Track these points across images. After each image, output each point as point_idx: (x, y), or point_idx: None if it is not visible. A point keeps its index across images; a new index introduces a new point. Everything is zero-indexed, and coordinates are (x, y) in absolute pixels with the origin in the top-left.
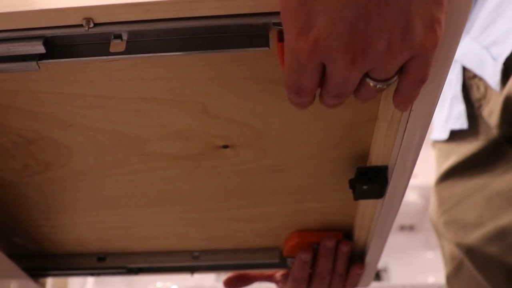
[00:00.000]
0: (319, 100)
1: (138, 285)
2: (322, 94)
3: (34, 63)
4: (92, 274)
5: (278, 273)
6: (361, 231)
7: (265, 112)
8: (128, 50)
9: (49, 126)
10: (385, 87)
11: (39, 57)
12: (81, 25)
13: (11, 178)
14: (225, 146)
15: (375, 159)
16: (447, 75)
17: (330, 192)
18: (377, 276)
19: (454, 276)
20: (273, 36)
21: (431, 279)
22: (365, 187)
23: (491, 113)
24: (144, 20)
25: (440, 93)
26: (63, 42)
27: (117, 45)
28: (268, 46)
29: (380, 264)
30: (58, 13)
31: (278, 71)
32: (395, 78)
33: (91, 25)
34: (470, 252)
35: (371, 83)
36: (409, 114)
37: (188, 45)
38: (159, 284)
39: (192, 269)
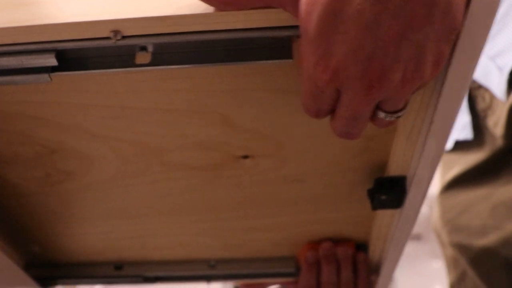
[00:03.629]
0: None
1: None
2: (333, 120)
3: (46, 75)
4: (108, 283)
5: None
6: (377, 241)
7: (286, 123)
8: (153, 62)
9: (72, 136)
10: (393, 119)
11: (52, 69)
12: (108, 38)
13: (32, 187)
14: (245, 157)
15: (394, 170)
16: (467, 88)
17: (348, 202)
18: None
19: (457, 285)
20: (296, 48)
21: None
22: (383, 197)
23: (497, 123)
24: (170, 33)
25: (461, 106)
26: (84, 55)
27: (143, 57)
28: (292, 58)
29: None
30: (87, 25)
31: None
32: (404, 110)
33: (119, 37)
34: (474, 261)
35: (382, 115)
36: (430, 126)
37: (211, 57)
38: None
39: (208, 278)
